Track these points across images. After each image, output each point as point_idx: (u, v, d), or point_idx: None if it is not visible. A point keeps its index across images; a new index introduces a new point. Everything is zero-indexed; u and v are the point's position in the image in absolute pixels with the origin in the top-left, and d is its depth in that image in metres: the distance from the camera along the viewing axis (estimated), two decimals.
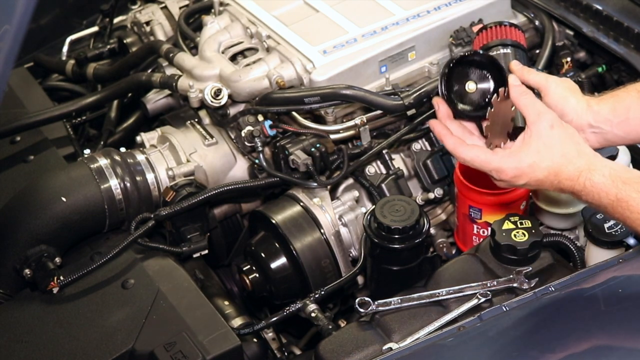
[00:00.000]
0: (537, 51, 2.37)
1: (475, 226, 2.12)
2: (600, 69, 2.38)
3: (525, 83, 1.84)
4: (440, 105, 1.83)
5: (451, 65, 1.82)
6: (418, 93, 2.13)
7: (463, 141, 1.77)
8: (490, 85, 1.82)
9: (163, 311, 1.89)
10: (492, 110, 1.79)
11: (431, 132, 2.26)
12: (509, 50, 1.97)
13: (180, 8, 2.64)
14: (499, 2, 2.36)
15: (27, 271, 1.98)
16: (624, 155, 2.08)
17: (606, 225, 1.90)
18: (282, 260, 2.11)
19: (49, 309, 1.95)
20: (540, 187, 1.75)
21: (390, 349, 1.74)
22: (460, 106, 1.82)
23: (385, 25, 2.28)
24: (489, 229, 2.02)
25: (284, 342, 2.22)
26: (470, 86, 1.82)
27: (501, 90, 1.80)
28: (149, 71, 2.50)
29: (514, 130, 1.75)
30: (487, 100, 1.81)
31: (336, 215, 2.13)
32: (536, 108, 1.71)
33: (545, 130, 1.69)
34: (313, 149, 2.13)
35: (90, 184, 2.09)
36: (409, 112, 2.15)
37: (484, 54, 1.85)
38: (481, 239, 2.11)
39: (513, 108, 1.76)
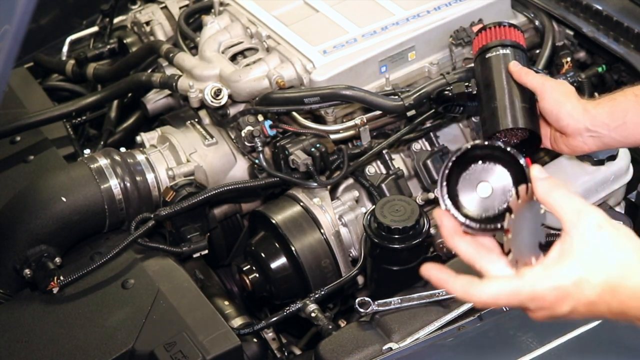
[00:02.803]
0: (537, 51, 2.37)
1: None
2: (600, 69, 2.38)
3: (522, 84, 1.81)
4: (444, 219, 1.37)
5: (450, 164, 1.39)
6: (418, 94, 2.12)
7: (474, 279, 1.32)
8: (508, 183, 1.38)
9: (163, 311, 1.89)
10: (513, 216, 1.33)
11: (431, 132, 2.28)
12: (508, 51, 1.96)
13: (180, 8, 2.64)
14: (499, 2, 2.36)
15: (27, 271, 1.98)
16: (624, 156, 2.08)
17: None
18: (282, 260, 2.11)
19: (49, 309, 1.95)
20: (592, 314, 1.30)
21: (390, 349, 1.74)
22: (471, 216, 1.37)
23: (385, 25, 2.28)
24: None
25: (284, 342, 2.22)
26: (484, 190, 1.38)
27: (522, 188, 1.35)
28: (149, 71, 2.50)
29: (548, 239, 1.33)
30: (506, 205, 1.37)
31: (336, 215, 2.13)
32: (574, 206, 1.29)
33: (592, 232, 1.27)
34: (313, 149, 2.13)
35: (90, 184, 2.09)
36: (409, 113, 2.15)
37: (487, 144, 1.39)
38: None
39: (543, 210, 1.33)
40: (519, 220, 1.32)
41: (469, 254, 1.35)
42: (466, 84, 2.02)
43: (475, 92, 1.98)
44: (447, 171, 1.38)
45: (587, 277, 1.26)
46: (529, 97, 1.83)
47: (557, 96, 1.77)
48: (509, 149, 1.37)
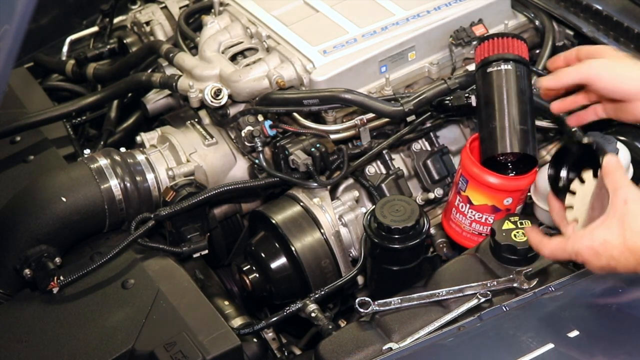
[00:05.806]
0: (537, 51, 2.37)
1: (458, 197, 2.07)
2: None
3: (566, 86, 1.84)
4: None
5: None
6: (418, 99, 2.12)
7: (546, 238, 1.71)
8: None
9: (163, 311, 1.89)
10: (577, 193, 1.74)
11: (431, 132, 2.28)
12: (509, 67, 1.96)
13: (180, 8, 2.64)
14: (499, 2, 2.36)
15: (27, 271, 1.98)
16: (624, 156, 2.08)
17: None
18: (282, 260, 2.11)
19: (49, 309, 1.95)
20: (621, 267, 1.60)
21: (390, 349, 1.74)
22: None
23: (385, 25, 2.28)
24: (467, 206, 2.02)
25: (284, 342, 2.22)
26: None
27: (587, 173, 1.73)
28: (149, 71, 2.50)
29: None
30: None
31: (336, 215, 2.13)
32: (615, 183, 1.63)
33: (620, 206, 1.59)
34: (313, 149, 2.13)
35: (90, 184, 2.09)
36: (409, 119, 2.15)
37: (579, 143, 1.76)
38: (458, 214, 2.09)
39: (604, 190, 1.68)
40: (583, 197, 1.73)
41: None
42: (466, 94, 2.03)
43: (474, 104, 1.99)
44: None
45: (610, 239, 1.58)
46: (528, 118, 1.84)
47: (616, 70, 1.81)
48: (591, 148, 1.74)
